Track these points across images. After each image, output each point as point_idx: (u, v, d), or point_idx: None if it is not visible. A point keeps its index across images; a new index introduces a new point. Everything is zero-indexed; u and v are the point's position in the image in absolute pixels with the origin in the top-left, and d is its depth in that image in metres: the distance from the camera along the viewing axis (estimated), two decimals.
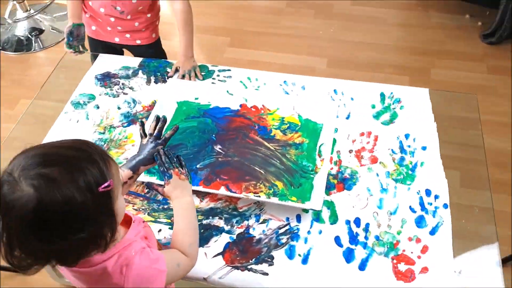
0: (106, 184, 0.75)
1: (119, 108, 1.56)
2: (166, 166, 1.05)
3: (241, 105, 1.55)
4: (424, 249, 1.20)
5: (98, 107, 1.57)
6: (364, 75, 2.55)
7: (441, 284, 1.14)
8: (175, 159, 1.06)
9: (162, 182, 1.06)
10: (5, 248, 0.72)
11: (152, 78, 1.67)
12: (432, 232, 1.23)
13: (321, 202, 1.23)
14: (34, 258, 0.74)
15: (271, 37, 2.90)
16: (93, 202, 0.73)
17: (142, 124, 1.14)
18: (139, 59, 1.75)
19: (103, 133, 1.49)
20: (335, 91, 1.61)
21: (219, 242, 1.22)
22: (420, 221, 1.25)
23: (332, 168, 1.37)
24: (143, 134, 1.12)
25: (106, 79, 1.67)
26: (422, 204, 1.29)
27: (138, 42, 1.82)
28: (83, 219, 0.73)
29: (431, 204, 1.29)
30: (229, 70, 1.70)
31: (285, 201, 1.28)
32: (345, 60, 2.70)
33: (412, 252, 1.19)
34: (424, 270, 1.16)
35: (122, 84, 1.65)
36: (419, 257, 1.19)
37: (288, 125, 1.49)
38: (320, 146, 1.41)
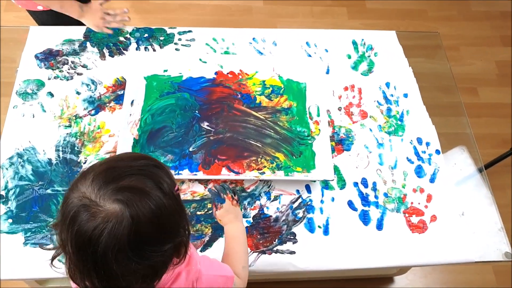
0: (177, 186, 0.69)
1: (78, 93, 1.35)
2: (219, 190, 1.09)
3: (216, 73, 1.43)
4: (429, 198, 1.27)
5: (52, 95, 1.34)
6: (304, 10, 2.48)
7: (450, 229, 1.22)
8: (226, 186, 1.12)
9: None
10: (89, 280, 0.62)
11: (106, 51, 1.45)
12: (432, 180, 1.30)
13: (332, 170, 1.22)
14: (121, 284, 0.63)
15: None
16: (176, 205, 0.67)
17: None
18: (82, 28, 1.50)
19: (69, 126, 1.29)
20: (307, 43, 1.54)
21: None
22: (419, 171, 1.31)
23: None
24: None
25: (50, 58, 1.41)
26: (417, 153, 1.34)
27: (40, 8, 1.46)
28: (173, 225, 0.67)
29: (424, 152, 1.35)
30: (190, 31, 1.53)
31: (291, 173, 1.25)
32: None
33: (419, 203, 1.26)
34: (433, 218, 1.24)
35: (72, 62, 1.41)
36: (426, 206, 1.25)
37: (271, 89, 1.41)
38: (309, 108, 1.37)
